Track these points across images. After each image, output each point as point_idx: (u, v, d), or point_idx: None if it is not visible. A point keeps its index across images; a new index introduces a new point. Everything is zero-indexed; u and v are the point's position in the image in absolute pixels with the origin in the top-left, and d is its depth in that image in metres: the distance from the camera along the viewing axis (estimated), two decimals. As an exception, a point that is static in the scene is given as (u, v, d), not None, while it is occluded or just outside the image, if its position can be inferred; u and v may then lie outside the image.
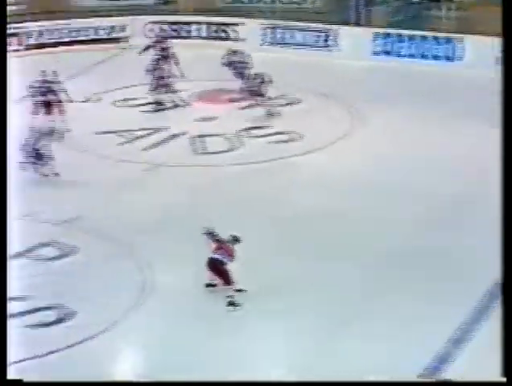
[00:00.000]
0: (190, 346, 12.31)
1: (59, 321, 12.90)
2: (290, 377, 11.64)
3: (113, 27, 25.53)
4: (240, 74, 21.06)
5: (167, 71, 21.26)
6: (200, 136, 19.66)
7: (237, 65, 21.26)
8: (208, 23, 25.78)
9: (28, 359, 12.01)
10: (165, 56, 21.53)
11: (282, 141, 19.41)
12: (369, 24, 24.68)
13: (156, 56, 21.50)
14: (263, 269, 14.02)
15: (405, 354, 11.98)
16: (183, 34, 25.80)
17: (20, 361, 11.84)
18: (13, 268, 13.97)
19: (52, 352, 12.20)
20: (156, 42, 22.31)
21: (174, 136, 19.72)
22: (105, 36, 25.51)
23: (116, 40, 25.51)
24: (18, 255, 14.50)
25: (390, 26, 24.62)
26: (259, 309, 13.13)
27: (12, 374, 10.91)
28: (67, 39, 25.05)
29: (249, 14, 25.71)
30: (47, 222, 15.63)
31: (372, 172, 17.52)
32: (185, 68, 22.05)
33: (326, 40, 24.89)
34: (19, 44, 24.45)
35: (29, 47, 24.60)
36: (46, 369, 11.92)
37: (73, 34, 25.15)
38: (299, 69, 23.41)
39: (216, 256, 13.30)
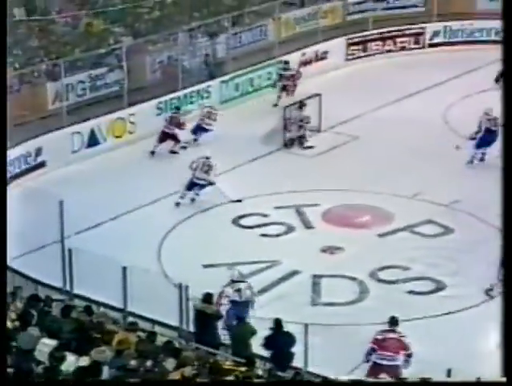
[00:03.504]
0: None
1: (432, 291, 14.29)
2: None
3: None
4: None
5: None
6: None
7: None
8: None
9: (407, 320, 13.06)
10: None
11: None
12: None
13: None
14: None
15: None
16: None
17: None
18: (393, 241, 15.82)
19: (427, 317, 13.54)
20: None
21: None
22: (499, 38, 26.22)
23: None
24: (402, 229, 16.18)
25: None
26: None
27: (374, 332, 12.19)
28: (465, 39, 26.21)
29: None
30: (427, 201, 17.08)
31: None
32: None
33: None
34: (418, 43, 26.18)
35: (428, 46, 26.17)
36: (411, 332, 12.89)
37: (475, 34, 26.19)
38: None
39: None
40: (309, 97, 21.11)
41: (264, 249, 15.59)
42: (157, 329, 11.92)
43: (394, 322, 11.98)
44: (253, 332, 12.07)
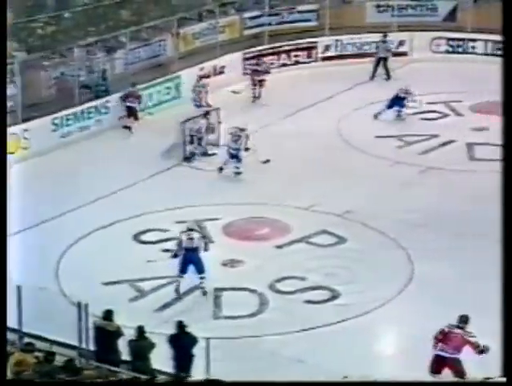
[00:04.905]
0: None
1: (325, 300, 14.61)
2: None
3: (400, 42, 26.88)
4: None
5: None
6: (472, 143, 20.69)
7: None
8: (487, 41, 26.47)
9: (305, 329, 13.74)
10: None
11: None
12: None
13: None
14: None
15: None
16: (463, 50, 26.79)
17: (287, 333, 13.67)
18: (290, 252, 16.17)
19: (324, 325, 13.85)
20: None
21: (448, 142, 20.85)
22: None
23: (401, 54, 26.81)
24: (298, 240, 16.49)
25: None
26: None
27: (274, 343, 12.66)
28: (355, 52, 26.82)
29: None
30: (322, 212, 17.43)
31: None
32: (463, 82, 23.37)
33: None
34: (311, 56, 26.71)
35: (321, 59, 26.72)
36: (306, 341, 13.49)
37: (364, 47, 26.77)
38: None
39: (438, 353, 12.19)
40: (208, 111, 21.32)
41: (166, 264, 15.59)
42: (56, 349, 11.81)
43: (462, 320, 12.18)
44: (152, 346, 12.17)
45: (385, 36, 25.61)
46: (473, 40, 26.63)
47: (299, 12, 27.39)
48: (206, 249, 15.04)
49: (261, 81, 23.97)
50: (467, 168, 19.51)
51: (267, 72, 24.22)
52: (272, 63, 25.55)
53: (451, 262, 15.39)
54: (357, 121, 22.37)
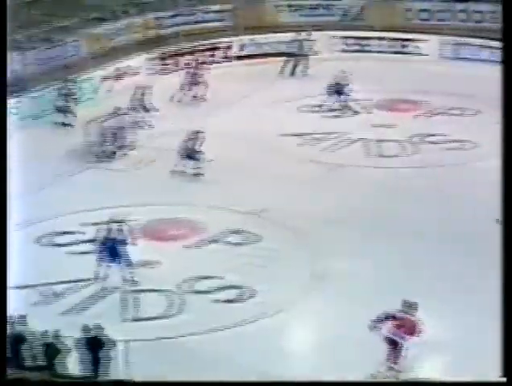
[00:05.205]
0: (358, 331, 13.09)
1: (242, 299, 14.72)
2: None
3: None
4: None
5: None
6: (378, 140, 21.11)
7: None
8: (392, 39, 27.09)
9: (221, 329, 13.81)
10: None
11: (456, 148, 20.32)
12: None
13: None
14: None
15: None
16: (369, 48, 27.30)
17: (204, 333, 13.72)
18: (206, 251, 16.21)
19: (234, 326, 13.93)
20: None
21: (356, 140, 21.22)
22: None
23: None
24: (214, 239, 16.57)
25: None
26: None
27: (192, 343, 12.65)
28: (264, 52, 27.01)
29: (430, 31, 26.83)
30: (237, 212, 17.52)
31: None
32: (369, 80, 23.77)
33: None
34: (226, 56, 26.83)
35: (235, 58, 26.85)
36: (224, 340, 13.61)
37: (279, 46, 26.98)
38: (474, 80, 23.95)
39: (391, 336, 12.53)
40: (126, 112, 21.22)
41: (77, 267, 15.48)
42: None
43: (410, 306, 12.50)
44: (65, 350, 12.07)
45: (308, 35, 26.07)
46: (380, 39, 27.18)
47: (214, 12, 27.51)
48: (133, 243, 15.27)
49: (200, 82, 23.86)
50: (374, 164, 19.90)
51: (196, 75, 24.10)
52: (188, 63, 25.47)
53: (364, 258, 15.64)
54: (273, 120, 22.44)
